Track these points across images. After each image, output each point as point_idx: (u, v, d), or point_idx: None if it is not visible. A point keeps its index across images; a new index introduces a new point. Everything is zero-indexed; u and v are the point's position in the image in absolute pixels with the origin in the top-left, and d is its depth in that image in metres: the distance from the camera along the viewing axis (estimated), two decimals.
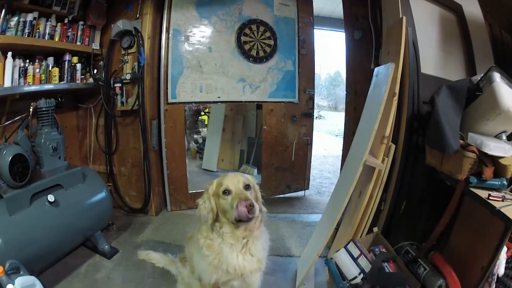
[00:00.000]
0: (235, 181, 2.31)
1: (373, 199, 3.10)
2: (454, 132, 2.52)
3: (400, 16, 3.07)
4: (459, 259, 2.45)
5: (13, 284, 2.11)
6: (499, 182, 2.33)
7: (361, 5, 4.34)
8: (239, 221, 2.19)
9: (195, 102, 5.28)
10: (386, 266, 2.61)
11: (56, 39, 3.98)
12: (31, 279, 2.22)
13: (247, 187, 2.31)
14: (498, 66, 2.60)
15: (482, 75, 2.67)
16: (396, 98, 2.94)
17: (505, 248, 2.12)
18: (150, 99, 4.63)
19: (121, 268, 3.54)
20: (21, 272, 2.29)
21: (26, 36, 3.62)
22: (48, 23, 3.85)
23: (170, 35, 4.70)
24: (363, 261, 2.68)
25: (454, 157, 2.51)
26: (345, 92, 4.96)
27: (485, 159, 2.35)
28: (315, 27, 5.65)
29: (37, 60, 3.81)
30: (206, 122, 9.37)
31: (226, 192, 2.28)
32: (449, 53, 3.45)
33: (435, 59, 3.36)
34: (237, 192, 2.24)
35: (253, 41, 5.08)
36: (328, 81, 30.34)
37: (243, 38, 5.02)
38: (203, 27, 4.85)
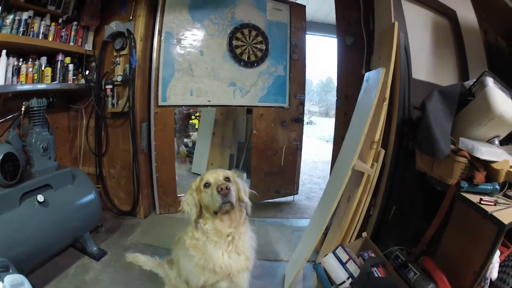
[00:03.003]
0: (215, 175, 2.40)
1: (362, 204, 3.11)
2: (445, 137, 2.53)
3: (393, 21, 3.09)
4: (451, 264, 2.46)
5: (2, 282, 2.09)
6: (491, 187, 2.35)
7: (354, 10, 4.34)
8: (222, 206, 2.25)
9: (186, 105, 5.28)
10: (375, 271, 2.62)
11: (50, 38, 3.97)
12: (20, 277, 2.20)
13: (226, 179, 2.38)
14: (492, 72, 2.62)
15: (474, 80, 2.68)
16: (386, 103, 2.96)
17: (498, 252, 2.14)
18: (141, 102, 4.61)
19: (110, 270, 3.52)
20: (10, 271, 2.28)
21: (21, 34, 3.61)
22: (43, 22, 3.84)
23: (162, 38, 4.69)
24: (351, 266, 2.69)
25: (445, 162, 2.52)
26: (336, 98, 4.97)
27: (476, 163, 2.36)
28: (307, 33, 5.68)
29: (30, 59, 3.79)
30: (196, 126, 9.36)
31: (207, 185, 2.37)
32: (442, 58, 3.49)
33: (427, 64, 3.39)
34: (216, 182, 2.31)
35: (245, 45, 5.09)
36: (320, 87, 30.59)
37: (234, 42, 5.03)
38: (195, 31, 4.85)
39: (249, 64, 5.15)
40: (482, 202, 2.23)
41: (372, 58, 4.03)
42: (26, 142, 3.37)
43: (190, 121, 9.67)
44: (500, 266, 2.24)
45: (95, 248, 3.73)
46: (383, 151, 3.11)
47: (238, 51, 5.07)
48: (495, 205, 2.19)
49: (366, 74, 3.52)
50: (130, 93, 4.44)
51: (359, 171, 2.99)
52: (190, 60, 4.86)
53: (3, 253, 2.46)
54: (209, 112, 7.34)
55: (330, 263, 2.79)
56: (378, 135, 2.99)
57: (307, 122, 19.35)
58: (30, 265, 3.03)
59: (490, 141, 2.57)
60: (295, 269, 3.17)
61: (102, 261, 3.67)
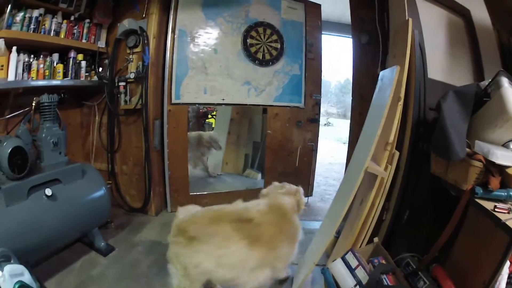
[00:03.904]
0: None
1: (375, 207, 3.02)
2: (461, 139, 2.43)
3: (407, 18, 3.01)
4: (461, 273, 2.37)
5: (2, 271, 2.12)
6: (506, 193, 2.23)
7: (368, 9, 4.28)
8: None
9: (199, 104, 5.22)
10: (385, 278, 2.53)
11: (62, 36, 4.01)
12: (20, 268, 2.25)
13: None
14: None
15: (490, 80, 2.58)
16: (401, 102, 2.87)
17: (507, 263, 2.04)
18: (154, 99, 4.60)
19: (116, 266, 3.54)
20: (12, 261, 2.31)
21: (32, 31, 3.64)
22: (54, 19, 3.88)
23: (175, 35, 4.67)
24: (360, 272, 2.61)
25: (460, 166, 2.42)
26: (351, 98, 4.90)
27: (492, 168, 2.26)
28: (323, 32, 5.61)
29: (41, 56, 3.82)
30: (213, 126, 9.36)
31: None
32: (457, 58, 3.39)
33: (442, 64, 3.29)
34: None
35: (260, 44, 5.04)
36: (338, 88, 30.40)
37: (249, 41, 4.98)
38: (209, 29, 4.82)
39: (264, 63, 5.09)
40: (496, 209, 2.12)
41: (387, 57, 3.95)
42: (36, 137, 3.43)
43: (207, 120, 9.67)
44: (509, 277, 2.13)
45: (103, 244, 3.76)
46: (397, 153, 3.02)
47: (253, 49, 5.02)
48: (508, 213, 2.08)
49: (381, 73, 3.45)
50: (143, 91, 4.44)
51: (372, 173, 2.90)
52: (204, 58, 4.82)
53: (8, 244, 2.49)
54: (225, 111, 7.30)
55: (338, 269, 2.71)
56: (392, 136, 2.90)
57: (325, 124, 19.34)
58: (36, 258, 3.07)
59: (505, 145, 2.46)
60: (304, 273, 3.12)
61: (109, 257, 3.69)
